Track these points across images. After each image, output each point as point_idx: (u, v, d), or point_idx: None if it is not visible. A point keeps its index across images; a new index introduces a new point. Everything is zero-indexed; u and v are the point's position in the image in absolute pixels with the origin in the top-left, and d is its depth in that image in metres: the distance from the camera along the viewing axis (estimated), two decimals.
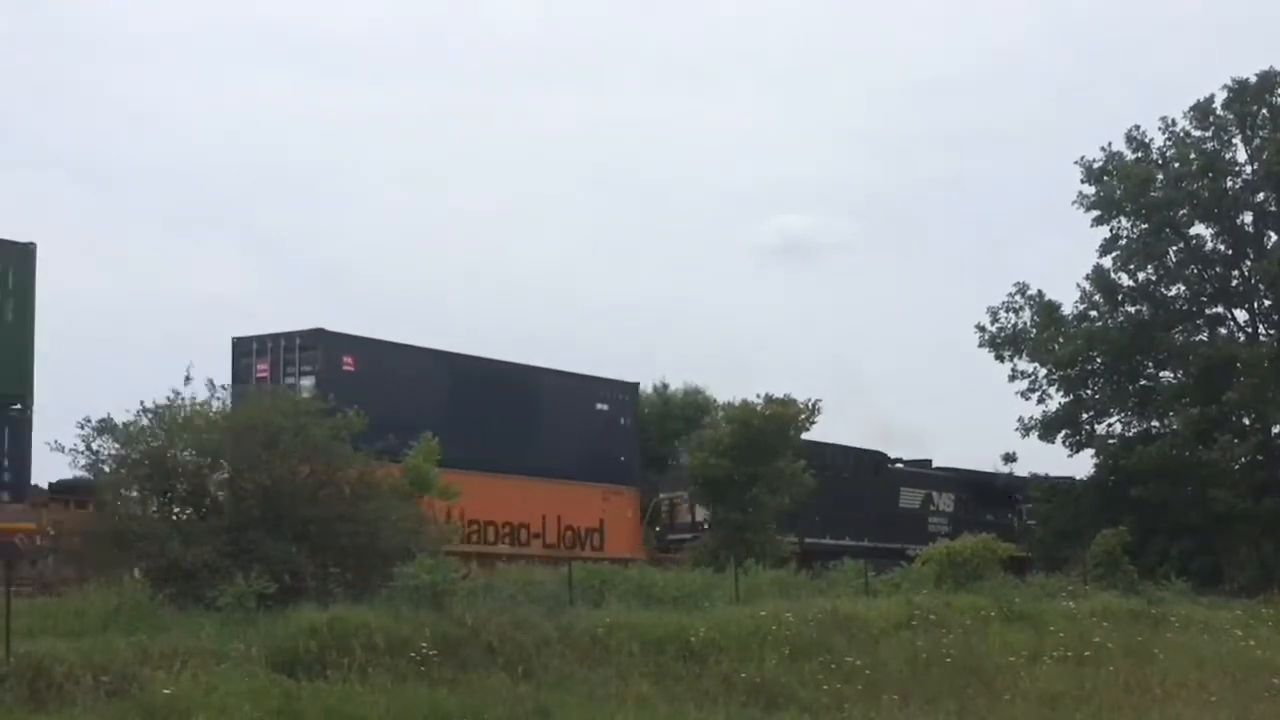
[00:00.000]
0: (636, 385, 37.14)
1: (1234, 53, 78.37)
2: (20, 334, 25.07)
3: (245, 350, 32.44)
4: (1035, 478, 47.08)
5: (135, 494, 21.22)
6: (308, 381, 31.22)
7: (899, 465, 46.72)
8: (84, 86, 70.33)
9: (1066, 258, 65.26)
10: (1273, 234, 45.36)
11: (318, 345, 32.12)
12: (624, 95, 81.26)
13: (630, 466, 38.42)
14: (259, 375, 31.52)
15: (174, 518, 20.95)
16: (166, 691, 15.15)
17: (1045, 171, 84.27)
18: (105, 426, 21.70)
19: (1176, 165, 44.56)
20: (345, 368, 32.41)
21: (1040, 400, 45.90)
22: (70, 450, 21.61)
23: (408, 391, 32.58)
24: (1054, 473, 47.41)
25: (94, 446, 21.66)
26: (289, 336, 32.22)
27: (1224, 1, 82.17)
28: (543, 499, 34.99)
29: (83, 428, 21.74)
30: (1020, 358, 45.90)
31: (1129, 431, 45.96)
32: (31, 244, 25.86)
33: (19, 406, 23.11)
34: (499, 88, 79.85)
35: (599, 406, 37.89)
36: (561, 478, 35.66)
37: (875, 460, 45.18)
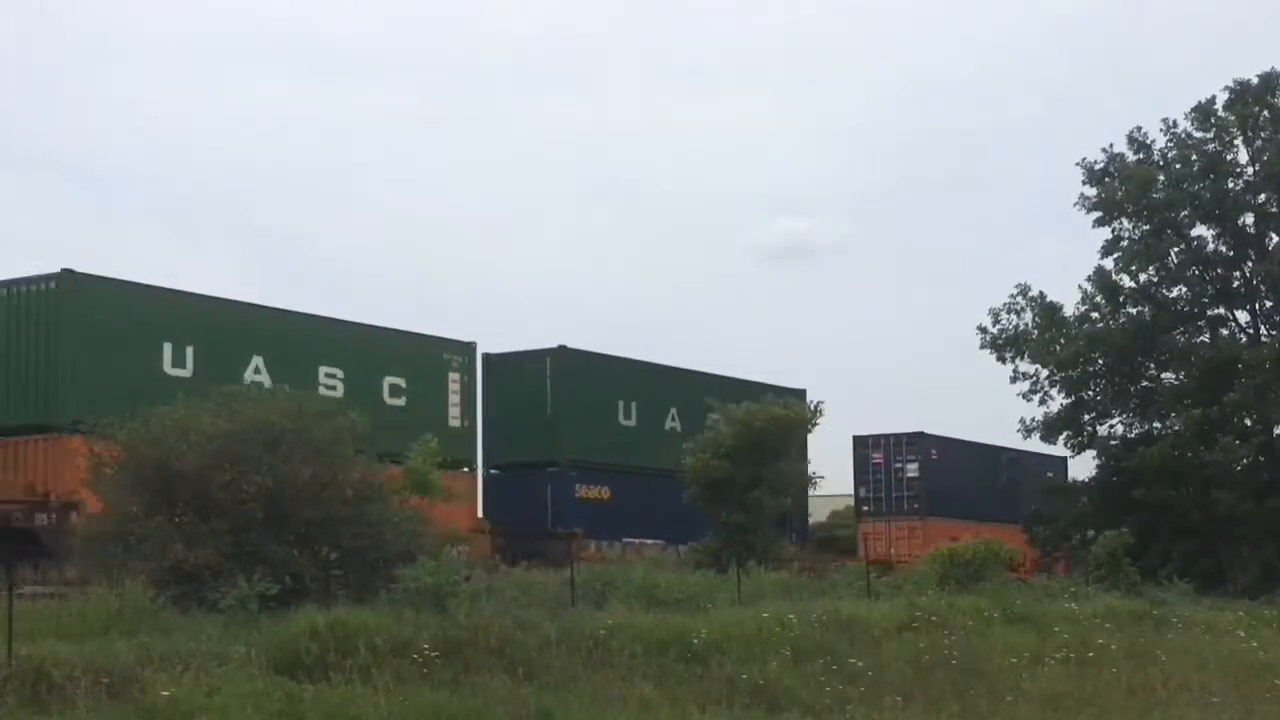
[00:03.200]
0: (1066, 460, 49.32)
1: (1235, 54, 78.47)
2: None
3: (864, 445, 50.08)
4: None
5: (137, 496, 21.14)
6: (912, 468, 48.83)
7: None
8: (82, 87, 70.43)
9: (1067, 259, 65.37)
10: (1274, 235, 45.47)
11: (918, 442, 49.60)
12: (623, 99, 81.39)
13: None
14: (874, 463, 49.21)
15: (176, 520, 20.88)
16: (168, 694, 15.09)
17: (1046, 173, 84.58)
18: (107, 429, 21.68)
19: (1178, 166, 44.59)
20: (932, 458, 48.91)
21: (1042, 402, 46.01)
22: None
23: (957, 470, 48.44)
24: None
25: (95, 449, 21.66)
26: (897, 437, 49.92)
27: (1225, 2, 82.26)
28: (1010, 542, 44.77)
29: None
30: (1022, 359, 45.97)
31: (1131, 433, 46.08)
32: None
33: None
34: (499, 92, 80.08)
35: (1048, 474, 50.46)
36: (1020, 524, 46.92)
37: None
